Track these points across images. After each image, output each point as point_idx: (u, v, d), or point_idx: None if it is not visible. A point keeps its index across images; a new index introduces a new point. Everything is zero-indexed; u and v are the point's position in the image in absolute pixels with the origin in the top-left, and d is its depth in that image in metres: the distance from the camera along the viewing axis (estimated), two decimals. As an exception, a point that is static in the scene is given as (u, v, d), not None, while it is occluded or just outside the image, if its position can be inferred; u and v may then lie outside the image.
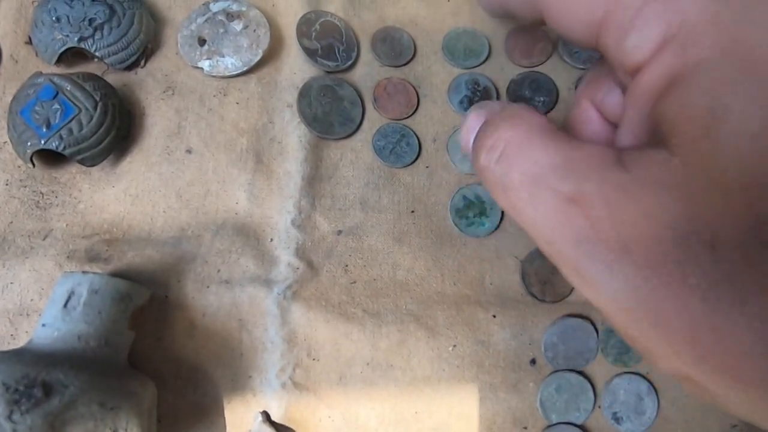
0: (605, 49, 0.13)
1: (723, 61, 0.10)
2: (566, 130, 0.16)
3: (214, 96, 0.23)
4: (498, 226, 0.22)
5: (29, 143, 0.20)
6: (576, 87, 0.25)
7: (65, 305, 0.16)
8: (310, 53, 0.24)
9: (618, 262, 0.11)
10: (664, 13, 0.11)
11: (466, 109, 0.24)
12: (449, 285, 0.22)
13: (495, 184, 0.13)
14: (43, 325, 0.16)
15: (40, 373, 0.14)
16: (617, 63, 0.12)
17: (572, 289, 0.22)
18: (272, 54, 0.24)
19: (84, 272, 0.17)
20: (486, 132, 0.14)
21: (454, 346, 0.21)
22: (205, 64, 0.23)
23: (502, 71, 0.25)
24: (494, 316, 0.21)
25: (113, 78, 0.23)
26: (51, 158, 0.21)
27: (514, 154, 0.13)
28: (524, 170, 0.12)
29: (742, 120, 0.09)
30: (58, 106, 0.20)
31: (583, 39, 0.13)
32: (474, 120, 0.15)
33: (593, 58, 0.25)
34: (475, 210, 0.22)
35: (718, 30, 0.10)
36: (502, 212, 0.22)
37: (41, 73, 0.21)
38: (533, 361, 0.21)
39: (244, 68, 0.23)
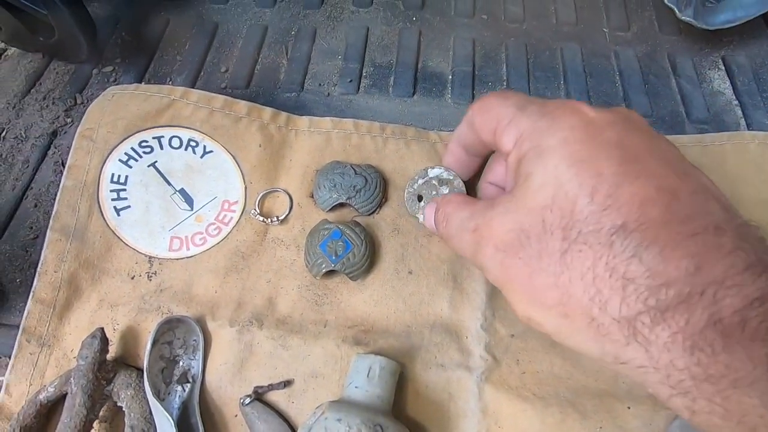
0: (497, 145, 0.25)
1: (533, 151, 0.21)
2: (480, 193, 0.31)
3: (424, 236, 0.34)
4: (627, 340, 0.31)
5: (323, 265, 0.32)
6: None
7: (368, 375, 0.27)
8: (488, 208, 0.35)
9: (495, 254, 0.22)
10: (514, 128, 0.23)
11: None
12: (592, 380, 0.30)
13: (447, 239, 0.26)
14: (356, 387, 0.26)
15: (375, 419, 0.24)
16: (501, 151, 0.24)
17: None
18: (460, 207, 0.35)
19: (375, 354, 0.28)
20: (437, 212, 0.28)
21: (601, 427, 0.29)
22: (420, 216, 0.35)
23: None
24: (629, 408, 0.29)
25: (360, 220, 0.35)
26: (325, 273, 0.33)
27: (450, 218, 0.26)
28: (455, 225, 0.25)
29: (536, 179, 0.21)
30: (342, 243, 0.32)
31: (492, 143, 0.25)
32: (429, 209, 0.30)
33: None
34: (610, 326, 0.31)
35: (532, 137, 0.22)
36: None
37: (328, 220, 0.33)
38: (660, 446, 0.29)
39: (445, 217, 0.35)
